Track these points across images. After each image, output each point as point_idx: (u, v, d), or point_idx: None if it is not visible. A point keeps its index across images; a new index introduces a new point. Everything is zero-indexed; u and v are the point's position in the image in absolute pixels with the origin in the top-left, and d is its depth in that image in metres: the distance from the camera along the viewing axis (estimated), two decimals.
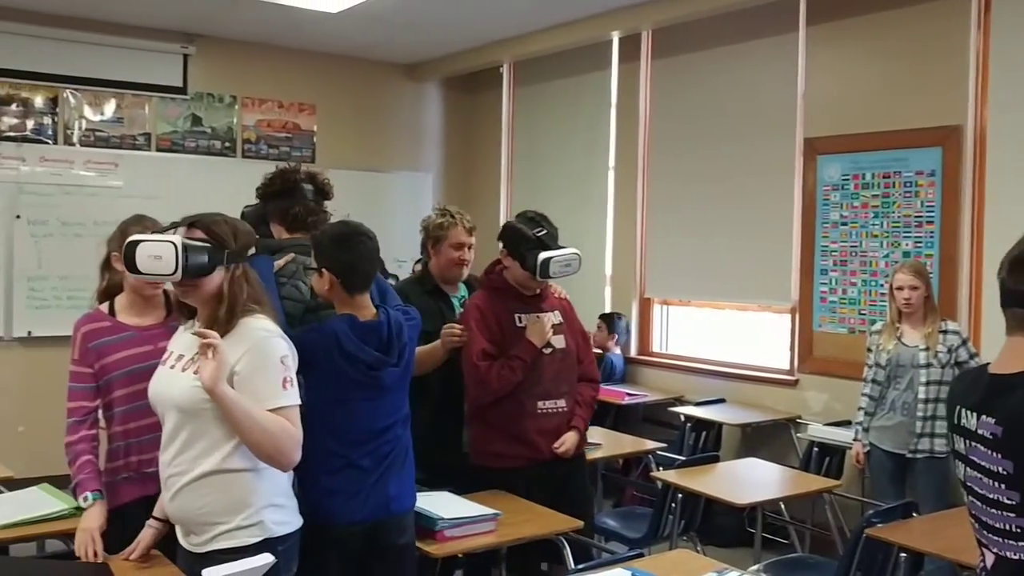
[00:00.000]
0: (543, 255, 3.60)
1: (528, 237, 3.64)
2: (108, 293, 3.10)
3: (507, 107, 8.03)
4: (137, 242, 2.36)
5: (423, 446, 3.24)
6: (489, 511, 3.25)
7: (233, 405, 2.30)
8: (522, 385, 3.62)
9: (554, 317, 3.79)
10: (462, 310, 3.87)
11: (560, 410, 3.72)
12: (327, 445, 2.73)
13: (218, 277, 2.43)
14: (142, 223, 2.99)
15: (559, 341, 3.75)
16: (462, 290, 4.02)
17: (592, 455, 4.58)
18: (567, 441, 3.69)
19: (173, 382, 2.45)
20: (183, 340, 2.54)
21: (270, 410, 2.35)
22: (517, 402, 3.63)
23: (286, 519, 2.48)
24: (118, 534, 2.78)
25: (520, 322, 3.70)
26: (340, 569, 2.80)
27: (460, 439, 3.79)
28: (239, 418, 2.30)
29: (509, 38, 7.11)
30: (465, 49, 7.51)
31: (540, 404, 3.66)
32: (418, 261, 7.08)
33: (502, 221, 8.01)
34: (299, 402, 2.43)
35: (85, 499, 2.84)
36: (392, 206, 7.97)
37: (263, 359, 2.37)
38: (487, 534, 3.21)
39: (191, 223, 2.47)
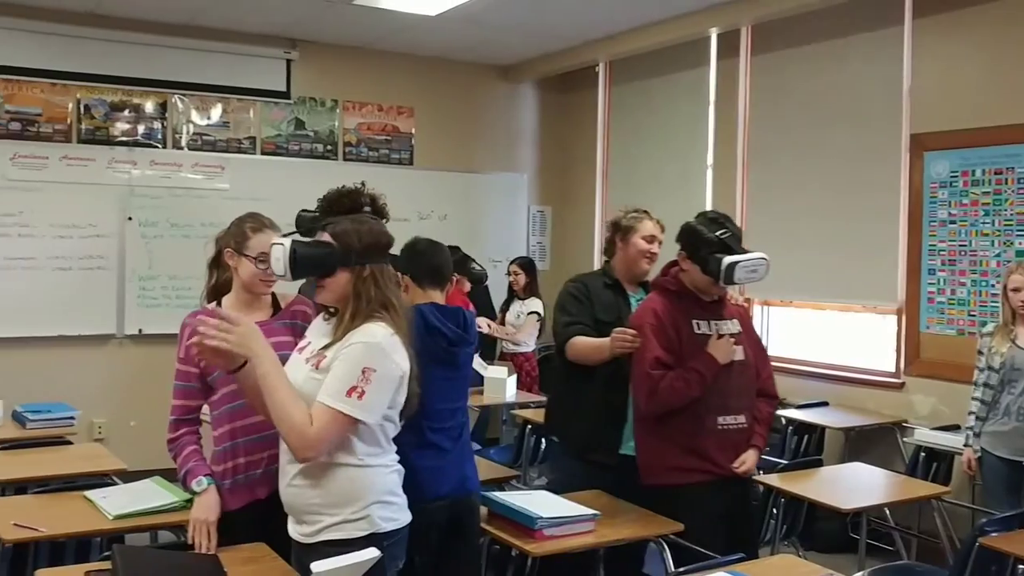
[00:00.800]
0: (728, 259, 3.35)
1: (710, 239, 3.42)
2: (217, 291, 3.13)
3: (602, 106, 8.00)
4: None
5: (582, 443, 3.45)
6: (588, 511, 3.24)
7: (269, 387, 2.34)
8: (700, 398, 3.37)
9: (732, 326, 3.55)
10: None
11: (740, 426, 3.48)
12: (412, 421, 2.73)
13: (343, 278, 2.47)
14: (257, 220, 3.03)
15: (739, 353, 3.50)
16: (640, 291, 3.88)
17: None
18: (747, 460, 3.48)
19: (297, 370, 2.50)
20: (318, 329, 2.61)
21: (319, 401, 2.37)
22: (694, 416, 3.39)
23: (394, 515, 2.51)
24: (228, 541, 2.81)
25: (698, 329, 3.47)
26: (428, 545, 2.86)
27: (619, 440, 3.70)
28: (266, 388, 2.34)
29: (605, 37, 7.08)
30: (560, 49, 7.51)
31: (720, 420, 3.43)
32: (513, 261, 7.12)
33: (597, 222, 8.05)
34: (356, 416, 2.37)
35: (199, 483, 2.87)
36: (487, 207, 8.03)
37: (345, 360, 2.39)
38: (586, 534, 3.19)
39: (324, 224, 2.54)
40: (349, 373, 2.37)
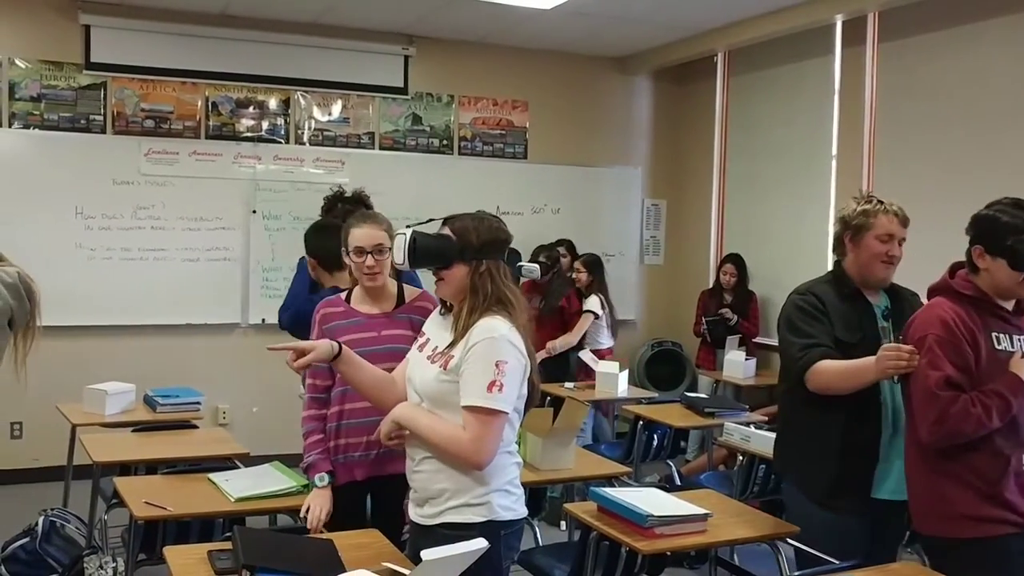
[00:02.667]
0: None
1: (1017, 226, 2.79)
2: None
3: (720, 97, 7.86)
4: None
5: (826, 487, 3.02)
6: (700, 510, 3.19)
7: (412, 425, 2.52)
8: (998, 431, 2.76)
9: None
10: (884, 323, 3.19)
11: None
12: None
13: (460, 272, 2.52)
14: (358, 216, 3.22)
15: None
16: (884, 299, 3.27)
17: None
18: None
19: (424, 371, 2.57)
20: (436, 323, 2.67)
21: (464, 407, 2.42)
22: (992, 453, 2.77)
23: (513, 506, 2.55)
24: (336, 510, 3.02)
25: (998, 344, 2.84)
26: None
27: (870, 482, 3.09)
28: (420, 434, 2.52)
29: (723, 26, 6.95)
30: (677, 39, 7.41)
31: None
32: (578, 258, 6.96)
33: (714, 215, 7.93)
34: (501, 408, 2.42)
35: (321, 479, 3.09)
36: (601, 200, 8.00)
37: (476, 359, 2.43)
38: (697, 534, 3.16)
39: (445, 219, 2.59)
40: (484, 370, 2.41)
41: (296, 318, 3.94)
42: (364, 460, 3.16)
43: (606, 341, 6.81)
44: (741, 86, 7.70)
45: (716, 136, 7.91)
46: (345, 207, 4.20)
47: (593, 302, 6.72)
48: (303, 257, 4.08)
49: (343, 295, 3.24)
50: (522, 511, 2.60)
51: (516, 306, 2.53)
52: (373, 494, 3.28)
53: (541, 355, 6.17)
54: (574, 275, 6.86)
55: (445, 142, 7.56)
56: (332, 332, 3.09)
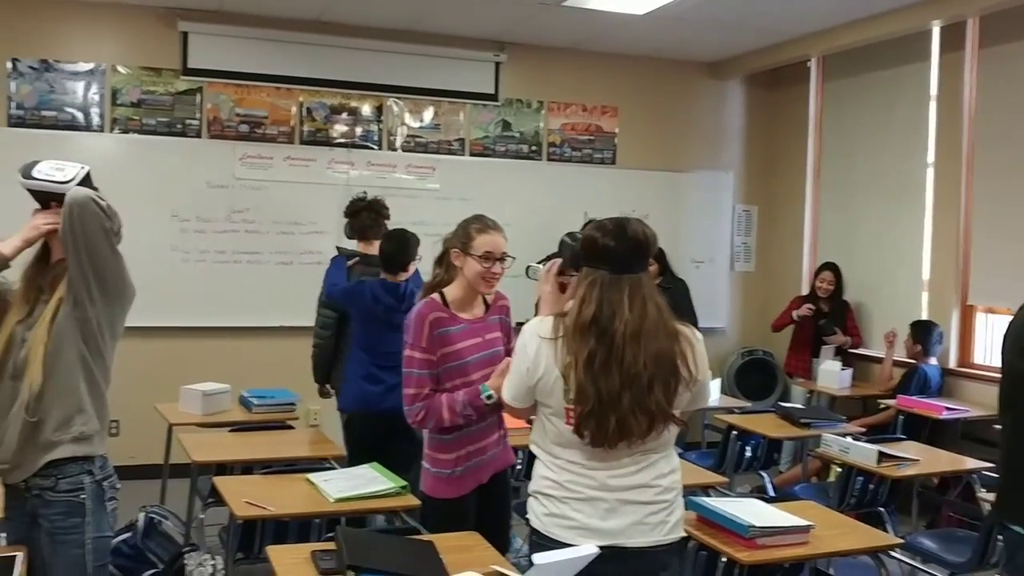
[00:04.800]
0: None
1: None
2: (431, 288, 3.28)
3: (814, 103, 7.72)
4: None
5: None
6: (802, 522, 3.13)
7: None
8: None
9: None
10: None
11: None
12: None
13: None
14: (482, 221, 3.19)
15: None
16: None
17: (905, 472, 4.33)
18: None
19: None
20: None
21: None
22: None
23: None
24: (457, 524, 2.99)
25: None
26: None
27: None
28: None
29: (817, 31, 6.82)
30: (770, 44, 7.29)
31: None
32: None
33: (807, 222, 7.77)
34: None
35: (484, 389, 3.00)
36: (691, 206, 7.92)
37: None
38: (799, 545, 3.09)
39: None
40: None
41: (347, 293, 4.73)
42: (491, 461, 3.19)
43: None
44: (835, 91, 7.55)
45: (809, 141, 7.77)
46: (369, 213, 5.02)
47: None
48: (337, 256, 5.08)
49: (438, 298, 3.20)
50: None
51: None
52: (498, 492, 3.28)
53: None
54: None
55: (534, 148, 7.56)
56: (444, 336, 3.10)
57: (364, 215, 5.01)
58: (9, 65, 6.37)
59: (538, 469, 2.52)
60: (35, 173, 2.58)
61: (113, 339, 2.70)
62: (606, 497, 2.39)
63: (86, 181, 2.61)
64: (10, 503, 2.73)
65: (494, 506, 3.23)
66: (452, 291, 3.20)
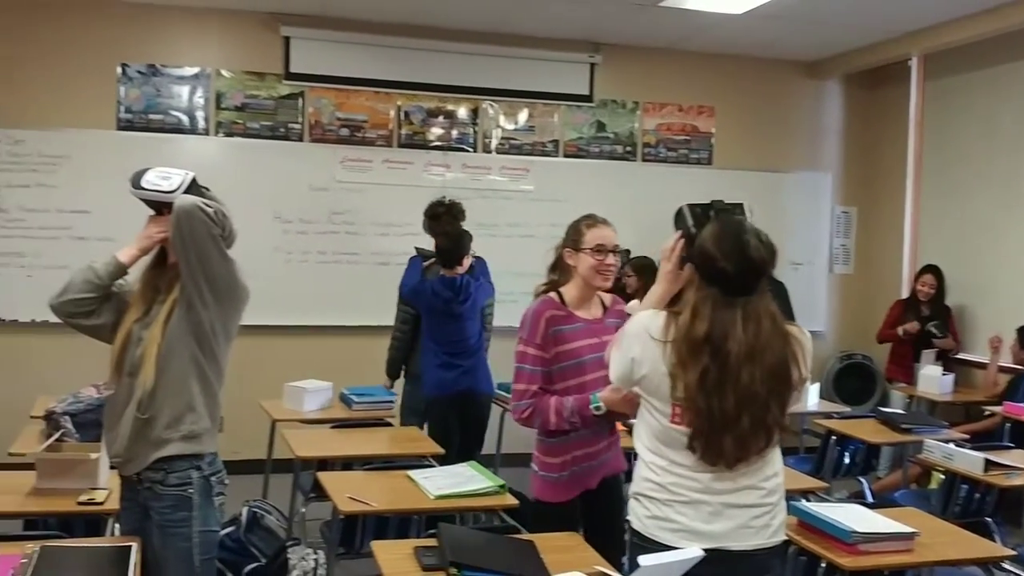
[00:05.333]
0: None
1: None
2: (544, 290, 3.28)
3: (915, 102, 7.51)
4: None
5: None
6: (906, 528, 3.08)
7: None
8: None
9: None
10: None
11: None
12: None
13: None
14: (591, 217, 3.21)
15: None
16: None
17: (1014, 481, 4.21)
18: None
19: None
20: None
21: None
22: None
23: None
24: (562, 527, 3.00)
25: None
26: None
27: None
28: None
29: (919, 29, 6.66)
30: (870, 43, 7.15)
31: None
32: (628, 262, 6.64)
33: (908, 224, 7.58)
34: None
35: (594, 399, 2.99)
36: (788, 207, 7.79)
37: None
38: (904, 552, 3.04)
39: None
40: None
41: (413, 291, 5.12)
42: (600, 466, 3.16)
43: None
44: (937, 91, 7.35)
45: (910, 142, 7.57)
46: (448, 216, 5.26)
47: (632, 305, 6.40)
48: (414, 256, 5.34)
49: (555, 296, 3.19)
50: None
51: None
52: (605, 498, 3.23)
53: None
54: (624, 279, 6.42)
55: (628, 148, 7.55)
56: (559, 335, 3.10)
57: (444, 218, 5.27)
58: (119, 70, 6.63)
59: (640, 471, 2.50)
60: (143, 183, 2.67)
61: (227, 340, 2.80)
62: (710, 500, 2.37)
63: (193, 187, 2.69)
64: (125, 494, 2.84)
65: (603, 513, 3.18)
66: (569, 291, 3.20)
